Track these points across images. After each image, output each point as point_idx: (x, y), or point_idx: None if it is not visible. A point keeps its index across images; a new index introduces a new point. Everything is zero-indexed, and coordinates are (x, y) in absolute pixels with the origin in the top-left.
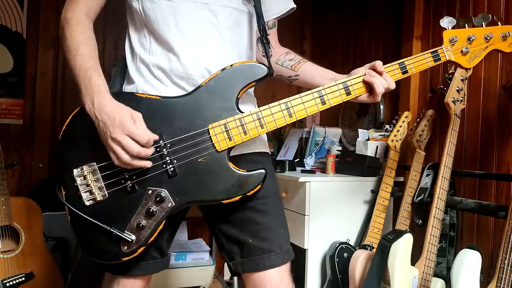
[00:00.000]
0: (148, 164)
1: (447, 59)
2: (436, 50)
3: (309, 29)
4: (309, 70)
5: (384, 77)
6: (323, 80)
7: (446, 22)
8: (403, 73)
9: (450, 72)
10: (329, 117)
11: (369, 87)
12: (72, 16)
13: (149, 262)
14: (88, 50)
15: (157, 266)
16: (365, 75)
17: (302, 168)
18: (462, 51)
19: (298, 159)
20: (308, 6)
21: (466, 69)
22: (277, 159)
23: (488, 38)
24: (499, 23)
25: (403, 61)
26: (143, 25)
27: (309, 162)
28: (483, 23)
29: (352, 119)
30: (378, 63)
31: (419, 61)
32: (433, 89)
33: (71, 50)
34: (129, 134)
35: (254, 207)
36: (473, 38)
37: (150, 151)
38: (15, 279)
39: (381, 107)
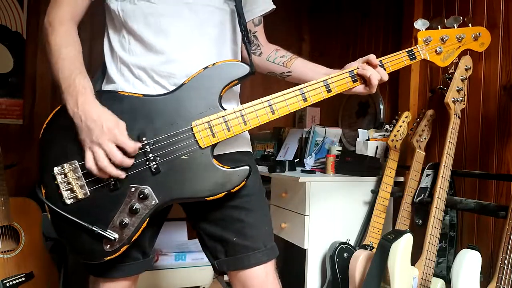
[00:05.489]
0: (122, 175)
1: (422, 58)
2: (412, 49)
3: (307, 30)
4: (301, 66)
5: (377, 70)
6: (316, 76)
7: (420, 24)
8: None
9: (450, 72)
10: (329, 117)
11: (363, 80)
12: (55, 18)
13: (130, 263)
14: (73, 51)
15: (139, 267)
16: (358, 68)
17: (302, 168)
18: (436, 51)
19: (298, 159)
20: (305, 6)
21: (441, 67)
22: (277, 159)
23: (460, 38)
24: (470, 24)
25: (381, 60)
26: (122, 26)
27: (309, 162)
28: (455, 25)
29: (352, 119)
30: (372, 57)
31: (396, 60)
32: (433, 89)
33: (54, 52)
34: (117, 143)
35: (238, 205)
36: (446, 38)
37: (132, 161)
38: (15, 279)
39: (381, 107)
